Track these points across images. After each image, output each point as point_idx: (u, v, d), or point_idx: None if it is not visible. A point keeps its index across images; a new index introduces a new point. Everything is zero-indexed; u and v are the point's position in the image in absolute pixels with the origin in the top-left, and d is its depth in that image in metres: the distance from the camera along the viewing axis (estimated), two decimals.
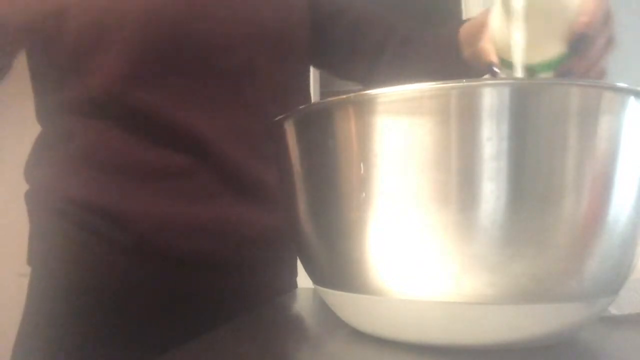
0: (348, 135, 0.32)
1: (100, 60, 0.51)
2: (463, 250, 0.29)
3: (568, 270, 0.30)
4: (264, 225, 0.57)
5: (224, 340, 0.38)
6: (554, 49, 0.44)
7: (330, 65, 0.74)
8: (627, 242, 0.31)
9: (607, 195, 0.30)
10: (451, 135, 0.29)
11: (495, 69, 0.48)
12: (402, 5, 0.70)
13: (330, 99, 0.32)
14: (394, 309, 0.32)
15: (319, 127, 0.34)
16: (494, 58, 0.48)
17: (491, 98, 0.28)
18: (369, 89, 0.30)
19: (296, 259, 0.66)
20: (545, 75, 0.45)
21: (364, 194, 0.31)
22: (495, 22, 0.47)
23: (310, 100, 0.70)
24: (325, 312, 0.45)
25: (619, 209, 0.30)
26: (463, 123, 0.29)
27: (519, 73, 0.42)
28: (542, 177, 0.29)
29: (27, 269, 0.55)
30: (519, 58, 0.41)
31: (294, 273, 0.67)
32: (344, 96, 0.31)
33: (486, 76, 0.60)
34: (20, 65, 0.55)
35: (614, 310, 0.42)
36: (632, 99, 0.30)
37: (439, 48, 0.65)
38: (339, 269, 0.34)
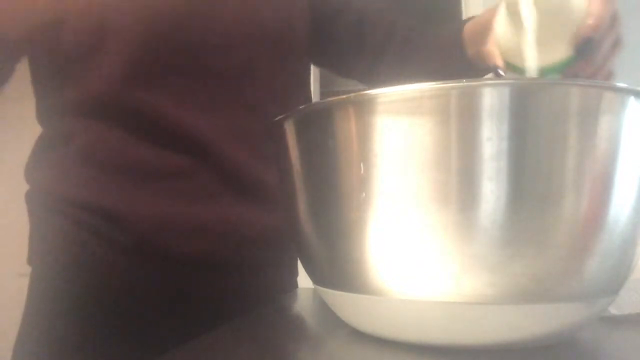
0: (348, 135, 0.32)
1: (100, 61, 0.51)
2: (463, 250, 0.29)
3: (568, 270, 0.30)
4: (264, 225, 0.57)
5: (224, 340, 0.38)
6: (560, 52, 0.43)
7: (332, 64, 0.74)
8: (627, 242, 0.31)
9: (607, 195, 0.30)
10: (451, 135, 0.29)
11: (501, 72, 0.48)
12: (402, 5, 0.70)
13: (330, 99, 0.32)
14: (394, 309, 0.32)
15: (319, 127, 0.34)
16: (499, 61, 0.48)
17: (491, 98, 0.28)
18: (369, 88, 0.30)
19: (296, 259, 0.66)
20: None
21: (364, 194, 0.31)
22: (500, 26, 0.47)
23: (311, 100, 0.70)
24: (325, 312, 0.45)
25: (619, 209, 0.30)
26: (463, 123, 0.29)
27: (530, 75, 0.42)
28: (542, 177, 0.29)
29: (27, 269, 0.55)
30: (529, 62, 0.41)
31: (294, 273, 0.67)
32: (344, 96, 0.31)
33: (487, 76, 0.60)
34: (21, 66, 0.55)
35: (614, 310, 0.42)
36: (632, 99, 0.30)
37: (443, 46, 0.65)
38: (339, 269, 0.34)
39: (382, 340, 0.35)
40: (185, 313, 0.53)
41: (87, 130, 0.52)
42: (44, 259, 0.54)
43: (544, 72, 0.44)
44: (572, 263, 0.30)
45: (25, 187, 0.57)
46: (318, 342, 0.38)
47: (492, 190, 0.28)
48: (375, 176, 0.31)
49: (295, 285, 0.67)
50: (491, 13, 0.57)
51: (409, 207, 0.30)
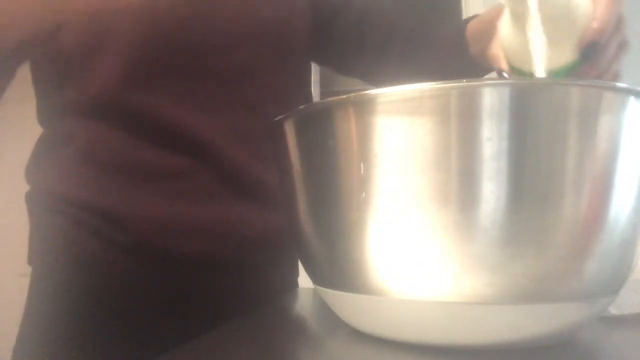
0: (348, 135, 0.32)
1: (99, 61, 0.51)
2: (463, 250, 0.29)
3: (568, 270, 0.30)
4: (264, 226, 0.57)
5: (224, 340, 0.38)
6: (565, 56, 0.43)
7: (332, 63, 0.74)
8: (627, 242, 0.31)
9: (607, 195, 0.30)
10: (451, 135, 0.29)
11: (506, 76, 0.48)
12: (401, 5, 0.70)
13: (330, 99, 0.32)
14: (394, 309, 0.32)
15: (319, 127, 0.34)
16: (503, 65, 0.48)
17: (491, 98, 0.28)
18: (370, 88, 0.30)
19: (297, 259, 0.66)
20: None
21: (364, 194, 0.31)
22: (505, 30, 0.47)
23: (312, 100, 0.70)
24: (325, 312, 0.45)
25: (619, 209, 0.30)
26: (463, 123, 0.29)
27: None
28: (542, 177, 0.29)
29: (28, 269, 0.55)
30: (536, 67, 0.40)
31: (294, 273, 0.67)
32: (344, 96, 0.31)
33: (486, 76, 0.60)
34: (22, 67, 0.55)
35: (614, 310, 0.42)
36: (632, 99, 0.30)
37: (446, 46, 0.64)
38: (339, 269, 0.34)
39: (382, 340, 0.35)
40: (185, 313, 0.53)
41: (87, 130, 0.52)
42: (44, 259, 0.54)
43: (549, 75, 0.44)
44: (572, 263, 0.30)
45: (25, 187, 0.57)
46: (318, 342, 0.38)
47: (492, 190, 0.28)
48: (375, 176, 0.31)
49: (295, 285, 0.67)
50: (494, 13, 0.57)
51: (409, 207, 0.30)
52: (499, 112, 0.28)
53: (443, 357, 0.31)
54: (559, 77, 0.44)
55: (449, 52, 0.64)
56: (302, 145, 0.36)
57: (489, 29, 0.54)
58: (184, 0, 0.52)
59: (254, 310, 0.49)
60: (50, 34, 0.47)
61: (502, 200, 0.28)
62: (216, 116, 0.54)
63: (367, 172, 0.31)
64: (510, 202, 0.28)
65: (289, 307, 0.54)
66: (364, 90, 0.31)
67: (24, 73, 0.57)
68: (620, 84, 0.30)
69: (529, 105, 0.28)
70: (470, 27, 0.61)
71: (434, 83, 0.29)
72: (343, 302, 0.35)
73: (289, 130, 0.36)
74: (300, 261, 0.41)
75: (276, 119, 0.37)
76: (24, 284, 0.55)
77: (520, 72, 0.46)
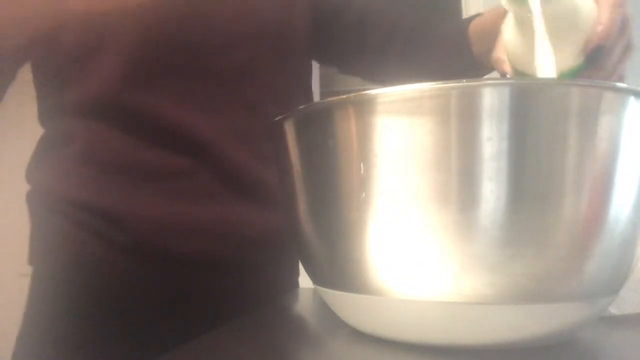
0: (348, 135, 0.32)
1: (99, 61, 0.51)
2: (463, 250, 0.29)
3: (568, 270, 0.30)
4: (264, 226, 0.57)
5: (224, 340, 0.38)
6: (570, 60, 0.43)
7: (332, 62, 0.74)
8: (627, 242, 0.31)
9: (607, 195, 0.30)
10: (451, 135, 0.29)
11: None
12: (401, 5, 0.70)
13: (330, 99, 0.32)
14: (394, 309, 0.32)
15: (319, 127, 0.34)
16: (507, 68, 0.48)
17: (491, 98, 0.28)
18: (370, 88, 0.30)
19: (297, 259, 0.66)
20: None
21: (364, 194, 0.31)
22: (508, 33, 0.46)
23: (312, 100, 0.70)
24: (325, 312, 0.45)
25: (619, 209, 0.30)
26: (463, 123, 0.29)
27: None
28: (542, 177, 0.29)
29: (28, 269, 0.55)
30: (541, 70, 0.40)
31: (294, 273, 0.67)
32: (344, 96, 0.31)
33: (487, 76, 0.60)
34: (23, 68, 0.55)
35: (614, 310, 0.42)
36: (632, 99, 0.30)
37: (448, 45, 0.64)
38: (339, 269, 0.34)
39: (382, 340, 0.35)
40: (185, 313, 0.53)
41: (87, 130, 0.52)
42: (45, 259, 0.54)
43: None
44: (572, 263, 0.30)
45: (26, 187, 0.57)
46: (318, 342, 0.38)
47: (492, 190, 0.28)
48: (375, 176, 0.31)
49: (295, 285, 0.67)
50: (495, 13, 0.57)
51: (409, 207, 0.30)
52: (499, 112, 0.28)
53: (443, 357, 0.31)
54: None
55: (450, 51, 0.64)
56: (302, 145, 0.36)
57: (492, 29, 0.54)
58: (184, 0, 0.52)
59: (254, 310, 0.49)
60: (50, 36, 0.47)
61: (502, 200, 0.28)
62: (216, 116, 0.54)
63: (367, 172, 0.31)
64: (510, 202, 0.28)
65: (289, 307, 0.54)
66: (364, 90, 0.31)
67: (25, 73, 0.57)
68: (620, 84, 0.30)
69: (529, 105, 0.28)
70: (473, 26, 0.61)
71: (434, 83, 0.29)
72: (343, 302, 0.35)
73: (289, 130, 0.36)
74: (300, 261, 0.41)
75: (276, 119, 0.37)
76: (24, 284, 0.55)
77: (524, 76, 0.46)
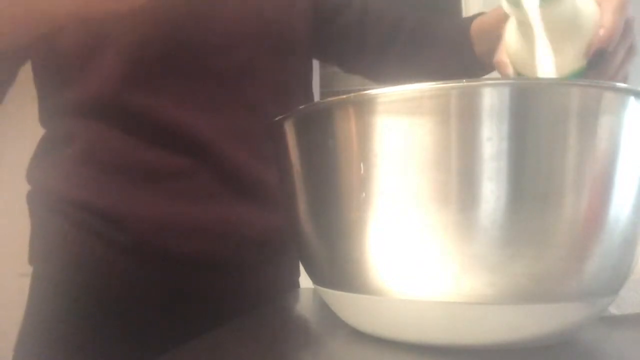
0: (348, 135, 0.32)
1: (99, 61, 0.51)
2: (463, 250, 0.29)
3: (568, 270, 0.30)
4: (264, 226, 0.57)
5: (225, 340, 0.38)
6: (572, 63, 0.43)
7: (334, 60, 0.74)
8: (627, 242, 0.31)
9: (607, 195, 0.30)
10: (451, 135, 0.29)
11: None
12: (402, 4, 0.70)
13: (330, 99, 0.32)
14: (394, 309, 0.32)
15: (319, 127, 0.34)
16: (509, 71, 0.48)
17: (491, 98, 0.28)
18: (370, 88, 0.30)
19: (297, 259, 0.66)
20: None
21: (364, 194, 0.31)
22: (511, 36, 0.46)
23: (313, 100, 0.70)
24: (325, 312, 0.45)
25: (619, 209, 0.30)
26: (463, 123, 0.29)
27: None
28: (542, 177, 0.29)
29: (28, 269, 0.55)
30: (543, 73, 0.40)
31: (294, 273, 0.67)
32: (344, 96, 0.31)
33: (486, 76, 0.60)
34: (23, 68, 0.55)
35: (614, 310, 0.42)
36: (632, 99, 0.30)
37: (447, 44, 0.64)
38: (339, 269, 0.34)
39: (382, 340, 0.35)
40: (185, 313, 0.53)
41: (87, 130, 0.52)
42: (45, 259, 0.54)
43: None
44: (572, 263, 0.29)
45: (26, 187, 0.57)
46: (318, 342, 0.38)
47: (492, 190, 0.28)
48: (375, 176, 0.31)
49: (296, 285, 0.67)
50: (497, 13, 0.57)
51: (409, 207, 0.30)
52: (499, 112, 0.28)
53: (443, 357, 0.31)
54: None
55: (450, 51, 0.64)
56: (302, 145, 0.36)
57: (494, 29, 0.54)
58: (184, 0, 0.52)
59: (254, 310, 0.49)
60: (50, 36, 0.47)
61: (502, 200, 0.28)
62: (216, 116, 0.54)
63: (367, 172, 0.31)
64: (510, 202, 0.28)
65: (289, 307, 0.54)
66: (364, 90, 0.31)
67: (25, 74, 0.57)
68: (620, 84, 0.30)
69: (529, 105, 0.28)
70: (475, 26, 0.61)
71: (434, 83, 0.29)
72: (343, 302, 0.35)
73: (289, 130, 0.36)
74: (301, 261, 0.41)
75: (276, 119, 0.37)
76: (24, 284, 0.55)
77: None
